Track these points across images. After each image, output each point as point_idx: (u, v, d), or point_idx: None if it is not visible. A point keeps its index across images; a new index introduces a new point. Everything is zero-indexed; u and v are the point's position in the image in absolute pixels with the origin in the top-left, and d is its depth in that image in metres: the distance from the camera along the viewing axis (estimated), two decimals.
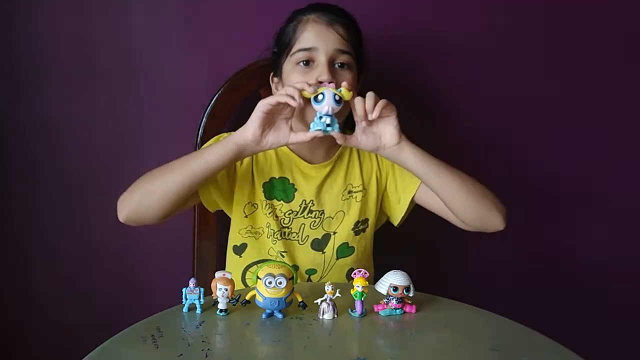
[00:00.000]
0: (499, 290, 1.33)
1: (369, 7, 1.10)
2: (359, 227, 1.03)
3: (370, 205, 1.04)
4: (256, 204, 1.00)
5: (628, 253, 1.41)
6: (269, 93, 1.11)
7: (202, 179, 0.88)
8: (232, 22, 1.16)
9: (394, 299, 0.75)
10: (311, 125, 0.83)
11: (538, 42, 1.30)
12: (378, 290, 0.76)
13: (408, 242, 1.19)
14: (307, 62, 0.93)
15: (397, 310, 0.76)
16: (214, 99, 1.09)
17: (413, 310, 0.77)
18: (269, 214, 1.00)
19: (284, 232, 1.01)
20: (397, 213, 1.04)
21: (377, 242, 1.10)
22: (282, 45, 0.97)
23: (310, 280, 1.02)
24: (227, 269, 1.05)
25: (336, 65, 0.94)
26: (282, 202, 1.00)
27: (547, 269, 1.40)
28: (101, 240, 1.20)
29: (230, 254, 1.05)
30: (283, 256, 1.00)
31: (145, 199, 0.88)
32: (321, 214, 1.01)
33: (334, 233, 1.02)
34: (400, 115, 0.87)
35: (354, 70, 0.96)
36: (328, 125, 0.82)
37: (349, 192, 1.03)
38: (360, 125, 0.86)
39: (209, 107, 1.09)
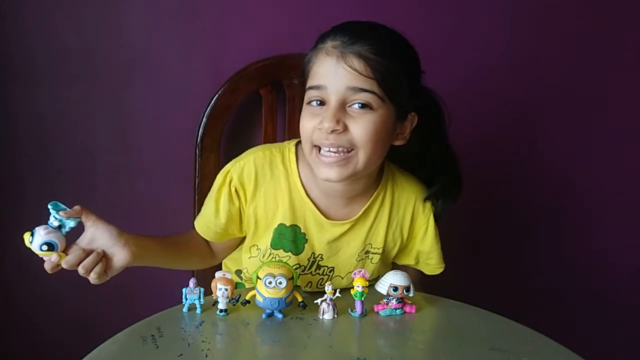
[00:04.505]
0: (499, 291, 1.33)
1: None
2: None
3: (386, 263, 0.94)
4: (260, 248, 0.89)
5: (628, 252, 1.41)
6: (269, 93, 1.12)
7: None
8: (231, 22, 1.16)
9: (394, 299, 0.76)
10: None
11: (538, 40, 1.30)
12: (378, 290, 0.76)
13: None
14: (322, 102, 0.77)
15: (397, 310, 0.76)
16: (214, 99, 1.09)
17: (413, 310, 0.77)
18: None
19: None
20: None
21: None
22: (302, 73, 0.84)
23: None
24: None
25: (355, 106, 0.75)
26: (289, 253, 0.88)
27: (546, 268, 1.40)
28: None
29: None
30: None
31: None
32: (330, 271, 0.90)
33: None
34: None
35: (381, 108, 0.76)
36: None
37: (366, 252, 0.90)
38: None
39: (208, 107, 1.09)
